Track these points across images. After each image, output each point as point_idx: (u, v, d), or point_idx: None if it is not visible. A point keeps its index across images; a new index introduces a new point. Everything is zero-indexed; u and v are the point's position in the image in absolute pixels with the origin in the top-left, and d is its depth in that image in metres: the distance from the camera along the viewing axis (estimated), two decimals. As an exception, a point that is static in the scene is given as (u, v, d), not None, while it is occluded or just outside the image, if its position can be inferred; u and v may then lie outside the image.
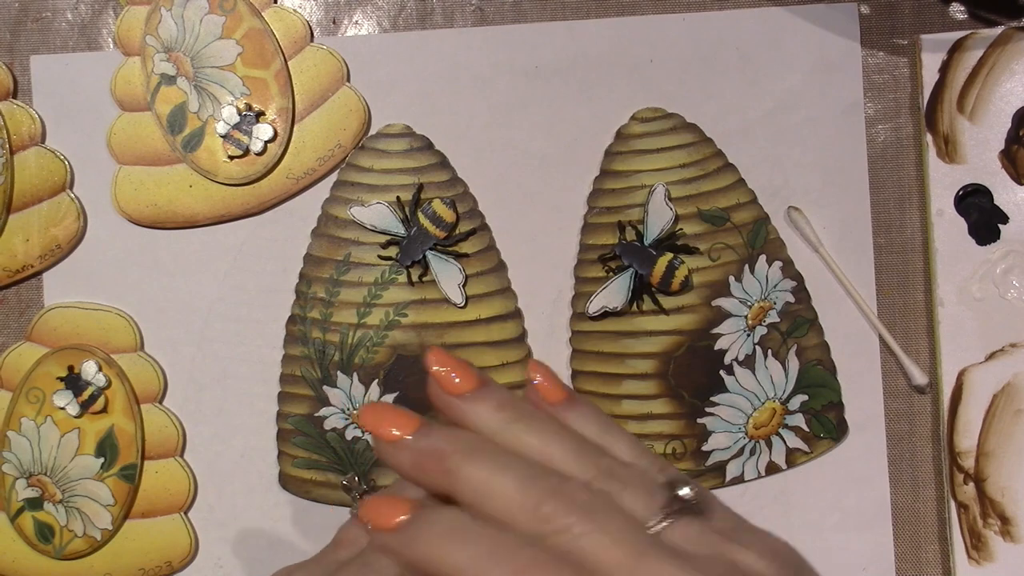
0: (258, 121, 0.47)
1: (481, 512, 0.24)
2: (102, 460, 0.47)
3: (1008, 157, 0.47)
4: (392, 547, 0.25)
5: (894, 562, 0.47)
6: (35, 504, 0.47)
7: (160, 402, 0.48)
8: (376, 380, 0.47)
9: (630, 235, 0.47)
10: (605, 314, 0.47)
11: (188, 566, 0.48)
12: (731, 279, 0.47)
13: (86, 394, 0.46)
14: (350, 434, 0.47)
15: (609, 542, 0.23)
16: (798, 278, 0.48)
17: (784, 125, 0.48)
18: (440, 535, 0.24)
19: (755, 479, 0.47)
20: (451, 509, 0.25)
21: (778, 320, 0.47)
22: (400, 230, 0.47)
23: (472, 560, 0.23)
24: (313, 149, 0.48)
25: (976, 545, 0.46)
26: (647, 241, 0.47)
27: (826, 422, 0.47)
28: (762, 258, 0.47)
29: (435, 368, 0.27)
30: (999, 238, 0.46)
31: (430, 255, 0.47)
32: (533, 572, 0.23)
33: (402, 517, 0.25)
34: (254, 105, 0.47)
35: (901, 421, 0.48)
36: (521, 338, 0.48)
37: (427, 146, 0.48)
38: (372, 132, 0.48)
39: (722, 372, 0.47)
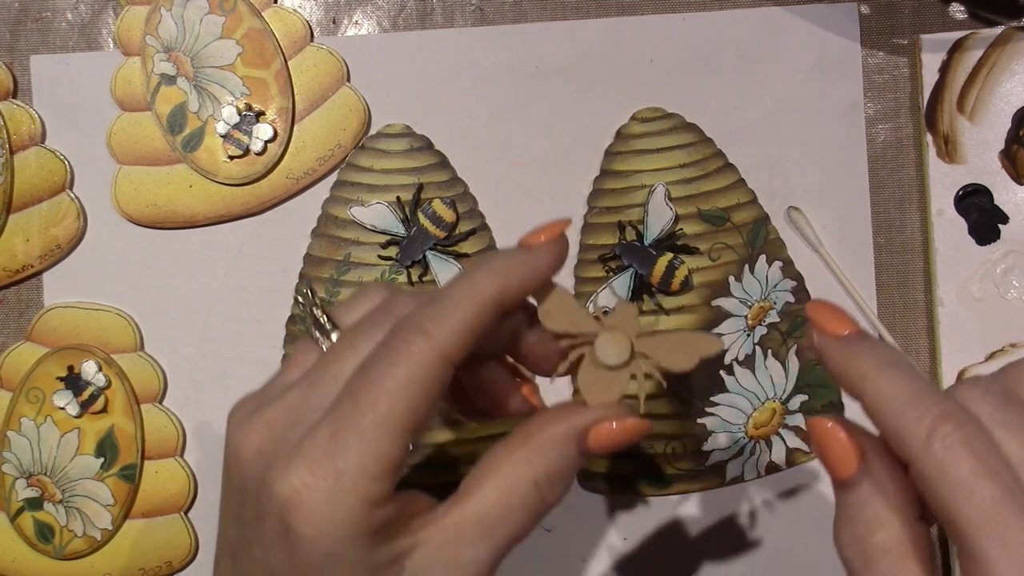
0: (258, 121, 0.47)
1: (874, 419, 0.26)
2: (102, 460, 0.47)
3: (1008, 157, 0.47)
4: (831, 353, 0.27)
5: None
6: (35, 504, 0.47)
7: (160, 402, 0.48)
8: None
9: (630, 235, 0.47)
10: (605, 314, 0.47)
11: (188, 566, 0.48)
12: (731, 279, 0.47)
13: (86, 394, 0.46)
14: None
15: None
16: (798, 278, 0.48)
17: (784, 125, 0.48)
18: (877, 361, 0.25)
19: (755, 479, 0.47)
20: (888, 344, 0.26)
21: (778, 320, 0.47)
22: (400, 230, 0.47)
23: (893, 393, 0.25)
24: (313, 149, 0.48)
25: None
26: (647, 241, 0.47)
27: (826, 422, 0.47)
28: (762, 258, 0.47)
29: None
30: (999, 238, 0.46)
31: (430, 255, 0.47)
32: (951, 419, 0.24)
33: (851, 331, 0.27)
34: (254, 105, 0.47)
35: (901, 421, 0.47)
36: (521, 338, 0.48)
37: (427, 146, 0.48)
38: (372, 132, 0.48)
39: (722, 372, 0.47)
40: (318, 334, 0.29)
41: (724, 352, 0.47)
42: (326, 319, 0.30)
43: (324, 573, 0.25)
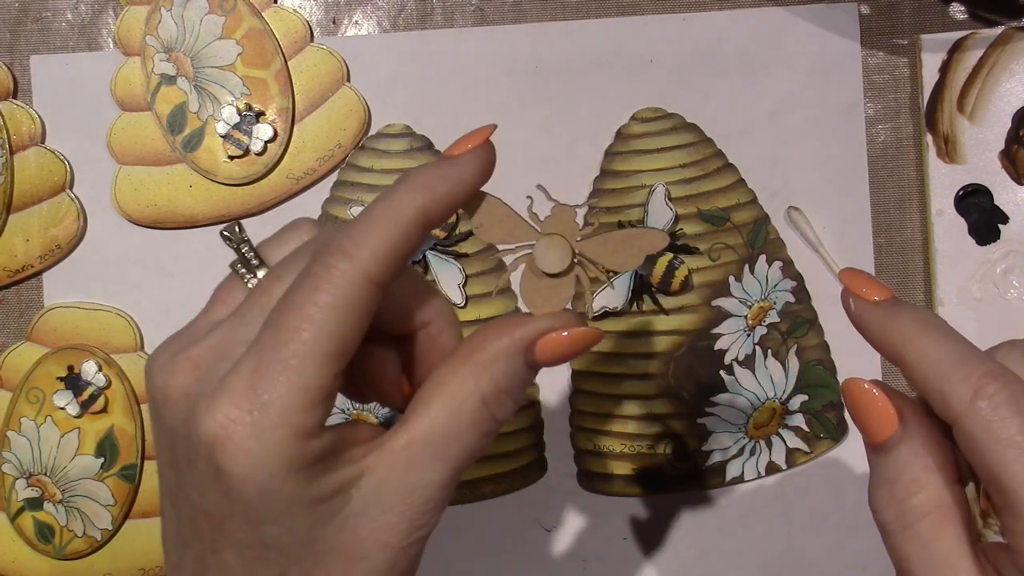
0: (258, 121, 0.47)
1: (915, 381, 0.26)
2: (102, 460, 0.47)
3: (1008, 157, 0.46)
4: (869, 318, 0.27)
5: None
6: (35, 504, 0.47)
7: (160, 402, 0.48)
8: (376, 380, 0.47)
9: (630, 235, 0.47)
10: (605, 314, 0.47)
11: (188, 566, 0.48)
12: (731, 279, 0.47)
13: (86, 394, 0.46)
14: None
15: None
16: (798, 278, 0.48)
17: (784, 125, 0.48)
18: (918, 324, 0.26)
19: (755, 479, 0.47)
20: (926, 309, 0.26)
21: (778, 320, 0.47)
22: (400, 230, 0.47)
23: (937, 354, 0.25)
24: (313, 149, 0.48)
25: (975, 543, 0.46)
26: (647, 241, 0.47)
27: (826, 422, 0.47)
28: (762, 258, 0.47)
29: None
30: (999, 238, 0.46)
31: (430, 255, 0.47)
32: (997, 379, 0.24)
33: (887, 296, 0.27)
34: (254, 105, 0.47)
35: (901, 421, 0.47)
36: (521, 338, 0.48)
37: (427, 146, 0.48)
38: (372, 132, 0.48)
39: (722, 372, 0.47)
40: (244, 271, 0.28)
41: (724, 352, 0.47)
42: (253, 255, 0.28)
43: (261, 511, 0.24)
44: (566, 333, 0.27)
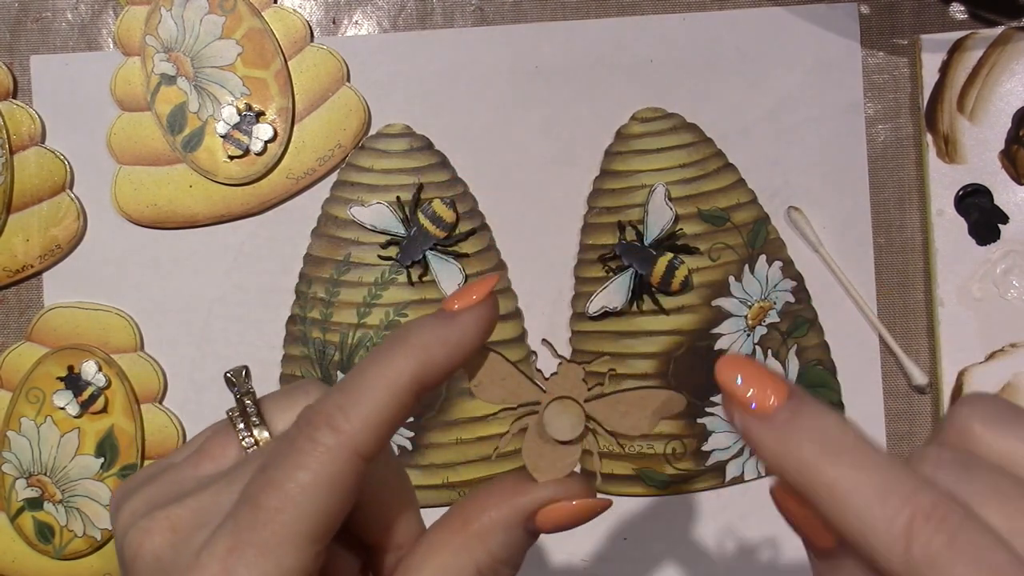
0: (258, 121, 0.47)
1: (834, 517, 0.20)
2: (102, 460, 0.47)
3: (1008, 157, 0.46)
4: (758, 439, 0.21)
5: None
6: (35, 504, 0.47)
7: (160, 402, 0.48)
8: (376, 380, 0.47)
9: (630, 235, 0.47)
10: (605, 314, 0.47)
11: (188, 566, 0.48)
12: (731, 279, 0.47)
13: (86, 394, 0.46)
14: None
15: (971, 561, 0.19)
16: (798, 278, 0.48)
17: (784, 125, 0.48)
18: (820, 447, 0.20)
19: (755, 479, 0.47)
20: (831, 413, 0.21)
21: (778, 320, 0.47)
22: (400, 230, 0.47)
23: (849, 486, 0.19)
24: (313, 149, 0.48)
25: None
26: (647, 241, 0.47)
27: (826, 422, 0.47)
28: (762, 258, 0.47)
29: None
30: (999, 238, 0.46)
31: (430, 255, 0.47)
32: (930, 516, 0.19)
33: (779, 402, 0.21)
34: (254, 105, 0.47)
35: (901, 421, 0.48)
36: (521, 338, 0.48)
37: (427, 146, 0.48)
38: (372, 132, 0.48)
39: (722, 372, 0.47)
40: (242, 426, 0.26)
41: (724, 352, 0.47)
42: (255, 410, 0.26)
43: None
44: (573, 503, 0.25)
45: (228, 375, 0.27)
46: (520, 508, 0.25)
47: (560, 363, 0.26)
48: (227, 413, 0.26)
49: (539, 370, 0.26)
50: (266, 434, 0.26)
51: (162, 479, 0.25)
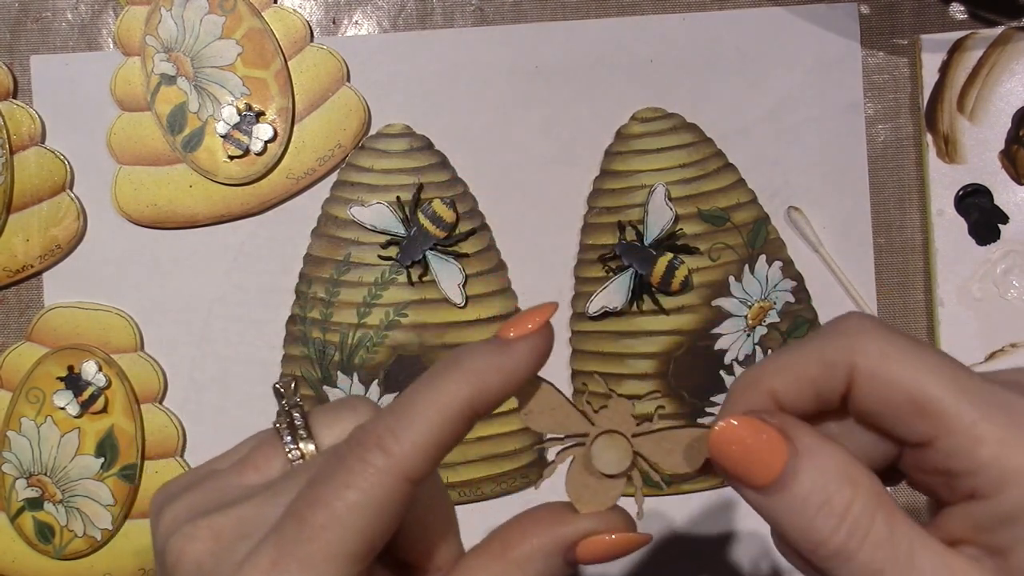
0: (258, 121, 0.47)
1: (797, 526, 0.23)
2: (102, 460, 0.47)
3: (1008, 157, 0.47)
4: (766, 510, 0.24)
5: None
6: (35, 504, 0.47)
7: (160, 402, 0.48)
8: (376, 380, 0.47)
9: (630, 235, 0.47)
10: (605, 314, 0.47)
11: (188, 566, 0.48)
12: (731, 279, 0.47)
13: (86, 394, 0.46)
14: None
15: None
16: (798, 278, 0.48)
17: (784, 125, 0.48)
18: (820, 510, 0.23)
19: (755, 479, 0.47)
20: (839, 464, 0.23)
21: (778, 320, 0.47)
22: (400, 230, 0.47)
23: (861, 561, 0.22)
24: (313, 149, 0.47)
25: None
26: (647, 241, 0.47)
27: (826, 422, 0.47)
28: (762, 258, 0.47)
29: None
30: (999, 238, 0.46)
31: (430, 255, 0.47)
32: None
33: (781, 467, 0.23)
34: (254, 105, 0.47)
35: (901, 421, 0.47)
36: (521, 338, 0.48)
37: (427, 146, 0.48)
38: (372, 132, 0.48)
39: (722, 372, 0.47)
40: (289, 438, 0.26)
41: (724, 352, 0.47)
42: (303, 423, 0.26)
43: None
44: (615, 537, 0.25)
45: (277, 386, 0.27)
46: (561, 538, 0.25)
47: (611, 397, 0.26)
48: (274, 424, 0.26)
49: (588, 403, 0.26)
50: (312, 447, 0.25)
51: (205, 486, 0.25)
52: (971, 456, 0.22)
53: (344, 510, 0.22)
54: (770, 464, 0.23)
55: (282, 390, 0.27)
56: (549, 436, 0.26)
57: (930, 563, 0.22)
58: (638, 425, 0.26)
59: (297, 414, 0.26)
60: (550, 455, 0.25)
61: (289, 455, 0.25)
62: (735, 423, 0.23)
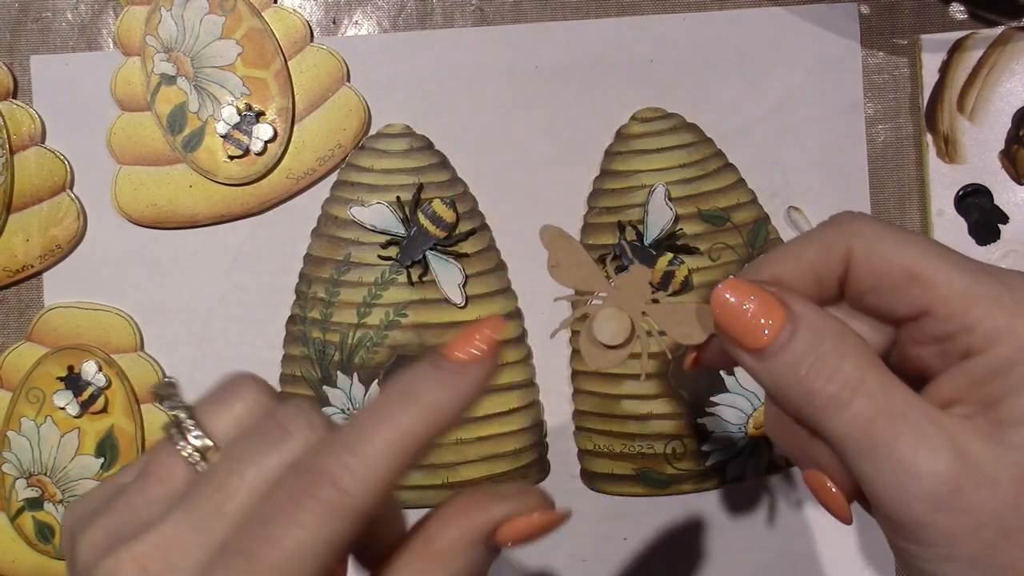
0: (258, 121, 0.47)
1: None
2: (102, 460, 0.47)
3: (1008, 157, 0.47)
4: (763, 372, 0.25)
5: (894, 562, 0.47)
6: (35, 504, 0.47)
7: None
8: (376, 380, 0.47)
9: (630, 235, 0.47)
10: (618, 272, 0.47)
11: (188, 566, 0.48)
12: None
13: (86, 394, 0.46)
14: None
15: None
16: (798, 278, 0.48)
17: (784, 125, 0.48)
18: (823, 364, 0.24)
19: (755, 479, 0.47)
20: (833, 328, 0.25)
21: (778, 320, 0.47)
22: (400, 230, 0.47)
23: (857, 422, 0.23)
24: (313, 149, 0.48)
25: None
26: (647, 241, 0.47)
27: (826, 422, 0.47)
28: (762, 258, 0.47)
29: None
30: (999, 238, 0.46)
31: (430, 255, 0.47)
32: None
33: (777, 329, 0.25)
34: (254, 105, 0.47)
35: (901, 421, 0.47)
36: (521, 338, 0.48)
37: (427, 146, 0.48)
38: (372, 132, 0.48)
39: (722, 372, 0.47)
40: (182, 443, 0.24)
41: (724, 352, 0.47)
42: (192, 423, 0.25)
43: None
44: (533, 516, 0.25)
45: (153, 390, 0.26)
46: (480, 526, 0.24)
47: (633, 264, 0.28)
48: (163, 429, 0.25)
49: (609, 268, 0.28)
50: (208, 442, 0.24)
51: (116, 506, 0.24)
52: (965, 316, 0.24)
53: (295, 550, 0.22)
54: (767, 326, 0.25)
55: (159, 392, 0.26)
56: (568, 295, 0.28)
57: (921, 416, 0.23)
58: (653, 293, 0.28)
59: (183, 413, 0.25)
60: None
61: (188, 458, 0.24)
62: (737, 285, 0.25)
